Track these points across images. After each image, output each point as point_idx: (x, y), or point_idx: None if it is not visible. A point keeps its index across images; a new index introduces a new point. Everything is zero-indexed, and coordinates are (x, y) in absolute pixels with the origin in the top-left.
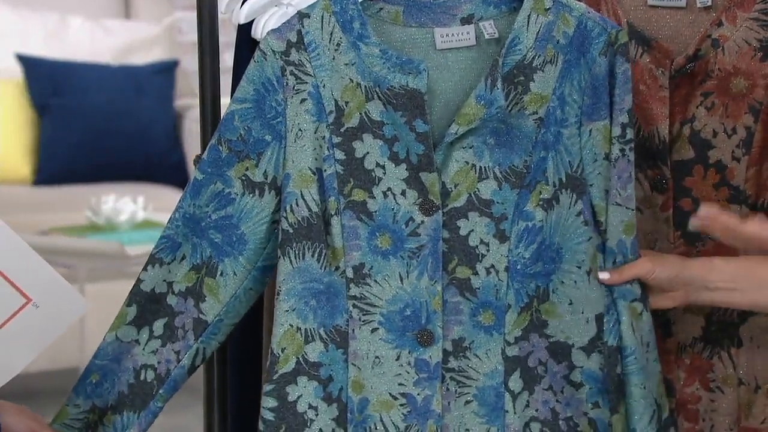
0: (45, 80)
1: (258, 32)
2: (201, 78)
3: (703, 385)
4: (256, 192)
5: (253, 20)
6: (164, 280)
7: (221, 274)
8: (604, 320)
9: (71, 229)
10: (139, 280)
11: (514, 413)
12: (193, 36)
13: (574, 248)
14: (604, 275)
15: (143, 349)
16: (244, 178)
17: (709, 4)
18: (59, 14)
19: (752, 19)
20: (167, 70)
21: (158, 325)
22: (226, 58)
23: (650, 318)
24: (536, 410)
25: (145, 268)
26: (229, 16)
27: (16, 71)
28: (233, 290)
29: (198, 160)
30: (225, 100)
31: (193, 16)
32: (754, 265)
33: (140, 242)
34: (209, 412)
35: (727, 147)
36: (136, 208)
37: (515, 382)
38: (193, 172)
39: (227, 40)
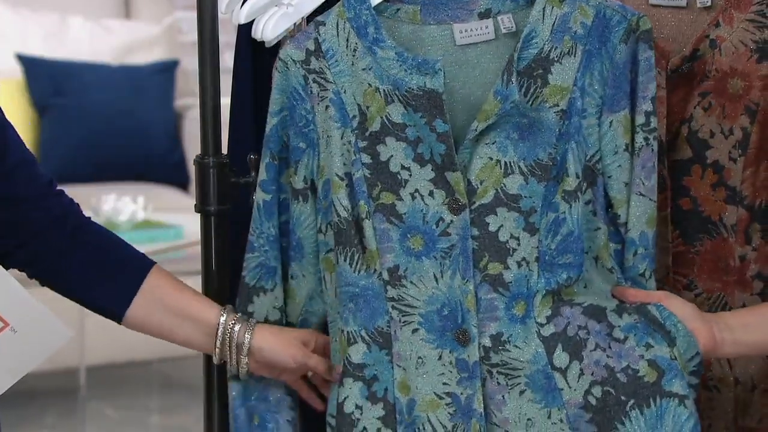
0: (45, 80)
1: (258, 32)
2: (201, 78)
3: (702, 383)
4: (300, 198)
5: (253, 20)
6: (274, 307)
7: (292, 278)
8: None
9: None
10: (248, 314)
11: (569, 388)
12: (193, 36)
13: (585, 235)
14: (618, 291)
15: None
16: (289, 185)
17: (709, 4)
18: (59, 14)
19: (748, 20)
20: (167, 70)
21: None
22: (226, 58)
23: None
24: (592, 374)
25: (251, 300)
26: (229, 16)
27: (16, 71)
28: (306, 291)
29: (198, 160)
30: (225, 100)
31: (193, 16)
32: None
33: (140, 242)
34: (209, 412)
35: (724, 148)
36: (136, 208)
37: (559, 359)
38: (193, 172)
39: (227, 40)
